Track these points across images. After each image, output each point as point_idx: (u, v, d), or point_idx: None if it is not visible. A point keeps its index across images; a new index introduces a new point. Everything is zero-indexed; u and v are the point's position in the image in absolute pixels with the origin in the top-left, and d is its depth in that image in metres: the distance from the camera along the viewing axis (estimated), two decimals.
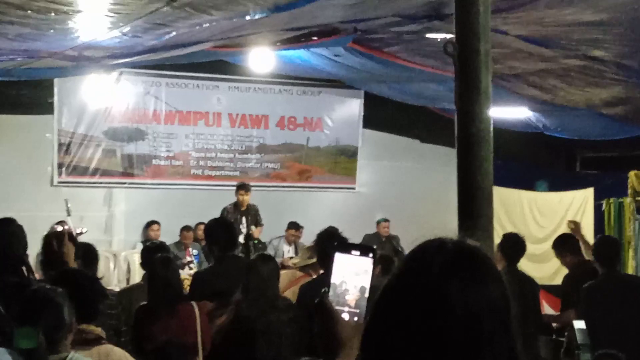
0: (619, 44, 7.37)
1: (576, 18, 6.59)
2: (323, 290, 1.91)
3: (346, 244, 1.92)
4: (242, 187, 11.89)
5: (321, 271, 6.25)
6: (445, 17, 6.38)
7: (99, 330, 4.20)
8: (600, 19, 6.57)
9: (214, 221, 7.33)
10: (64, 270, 4.58)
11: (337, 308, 1.89)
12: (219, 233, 6.72)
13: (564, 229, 12.61)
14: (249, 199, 11.80)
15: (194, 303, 5.86)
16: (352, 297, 1.89)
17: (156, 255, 6.07)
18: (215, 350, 5.54)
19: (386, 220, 13.78)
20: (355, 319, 1.89)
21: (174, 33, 7.72)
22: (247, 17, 6.84)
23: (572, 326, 6.64)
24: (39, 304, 3.67)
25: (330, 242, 6.12)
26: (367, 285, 1.89)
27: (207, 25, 7.29)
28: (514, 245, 7.26)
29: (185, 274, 8.95)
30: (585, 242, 8.27)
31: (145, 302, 5.68)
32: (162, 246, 7.57)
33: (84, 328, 4.00)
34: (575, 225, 8.56)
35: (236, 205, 11.70)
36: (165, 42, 8.53)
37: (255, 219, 11.63)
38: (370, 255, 1.89)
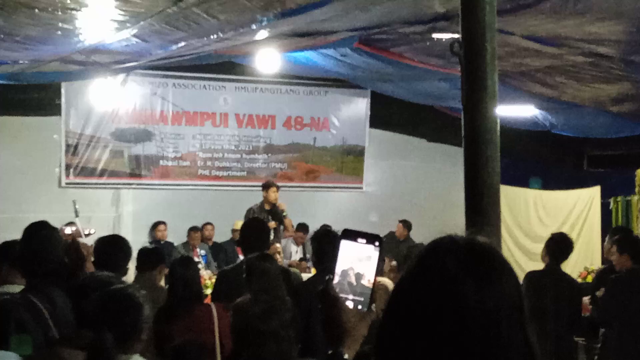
0: (625, 41, 7.35)
1: (581, 18, 6.59)
2: (327, 277, 1.89)
3: (352, 232, 1.90)
4: (273, 185, 10.58)
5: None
6: (451, 18, 6.38)
7: None
8: (605, 17, 6.56)
9: (246, 221, 7.44)
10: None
11: (342, 296, 1.87)
12: (247, 234, 6.75)
13: (567, 227, 12.65)
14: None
15: (212, 304, 5.84)
16: (356, 285, 1.87)
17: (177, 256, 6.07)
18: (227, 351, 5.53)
19: (402, 221, 13.59)
20: (360, 307, 1.88)
21: (182, 43, 7.72)
22: (254, 25, 6.85)
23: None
24: (120, 303, 3.64)
25: (326, 241, 6.15)
26: (372, 273, 1.87)
27: (214, 37, 7.30)
28: (558, 244, 7.18)
29: None
30: None
31: (164, 304, 5.68)
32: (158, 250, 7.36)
33: None
34: None
35: (262, 205, 10.49)
36: (172, 52, 8.55)
37: (280, 218, 10.36)
38: (376, 243, 1.87)
